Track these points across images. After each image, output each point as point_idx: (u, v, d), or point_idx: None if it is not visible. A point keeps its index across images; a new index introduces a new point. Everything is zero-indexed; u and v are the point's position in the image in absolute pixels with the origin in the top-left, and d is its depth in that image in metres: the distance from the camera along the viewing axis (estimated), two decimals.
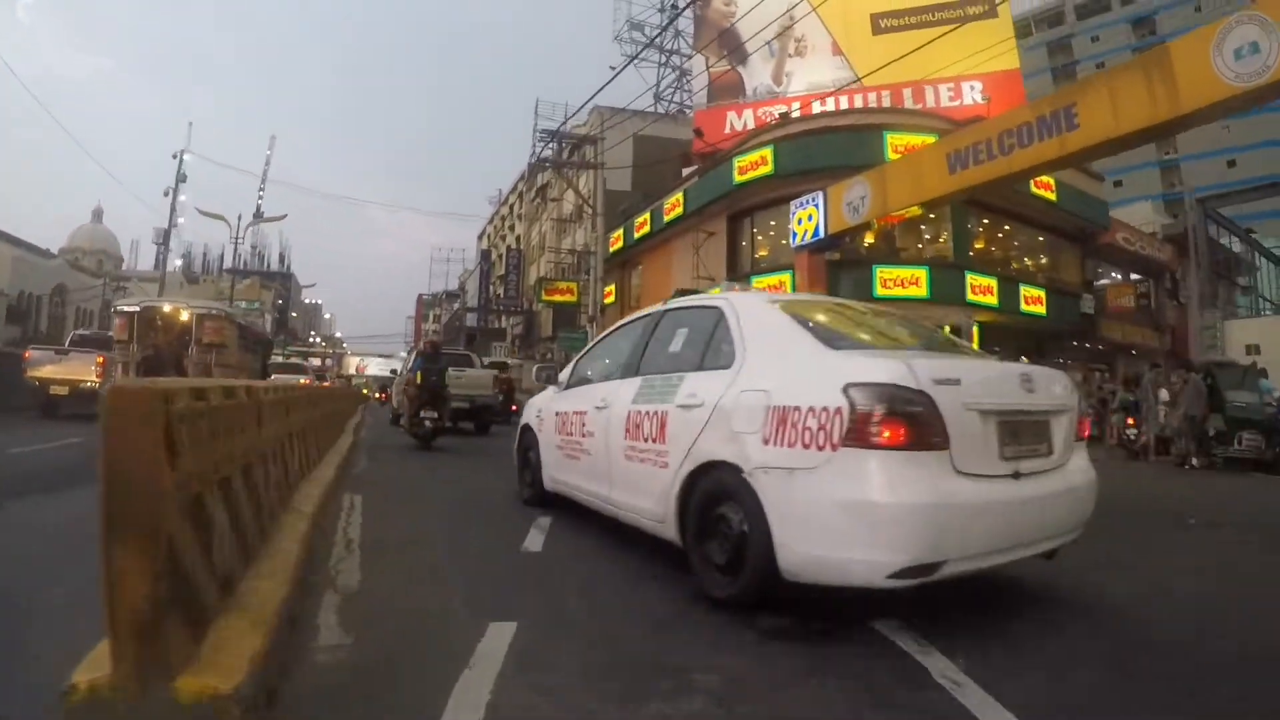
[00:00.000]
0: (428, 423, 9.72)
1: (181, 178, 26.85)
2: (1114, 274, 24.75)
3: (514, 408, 16.53)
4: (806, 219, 15.82)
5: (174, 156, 26.87)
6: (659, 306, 4.26)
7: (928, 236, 18.64)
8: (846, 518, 2.49)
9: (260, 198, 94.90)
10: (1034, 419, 2.93)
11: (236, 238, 29.23)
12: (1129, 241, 22.92)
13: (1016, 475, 2.75)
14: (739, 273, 19.79)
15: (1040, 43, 52.62)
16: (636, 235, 24.94)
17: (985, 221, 18.92)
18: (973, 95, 21.78)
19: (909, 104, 21.49)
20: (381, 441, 11.29)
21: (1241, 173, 40.44)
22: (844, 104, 21.89)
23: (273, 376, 19.69)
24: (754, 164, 18.62)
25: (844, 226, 14.80)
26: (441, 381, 9.87)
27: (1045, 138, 10.28)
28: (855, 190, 14.34)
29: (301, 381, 18.50)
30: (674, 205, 22.36)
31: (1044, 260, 21.13)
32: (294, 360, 32.59)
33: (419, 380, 9.77)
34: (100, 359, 13.09)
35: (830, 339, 3.05)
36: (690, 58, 30.30)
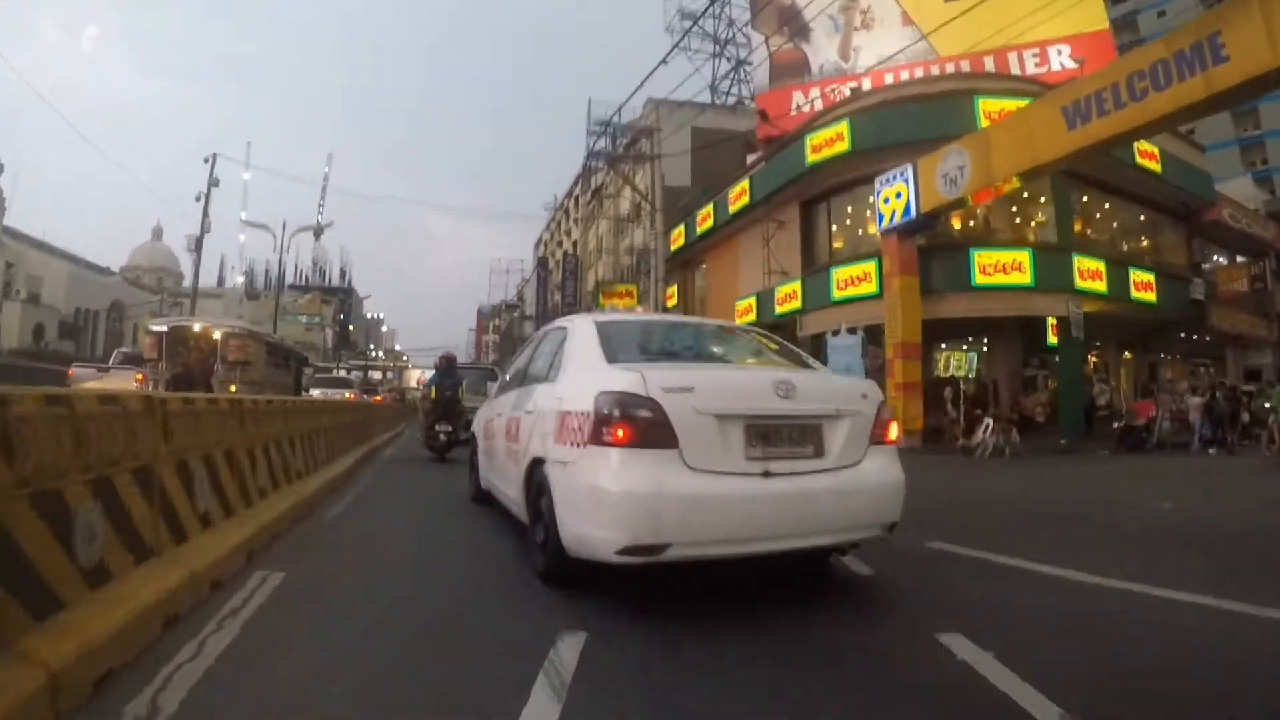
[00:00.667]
0: (442, 436, 10.09)
1: (214, 182, 27.12)
2: (1217, 256, 22.67)
3: None
4: (894, 197, 14.71)
5: (205, 161, 27.09)
6: (549, 325, 4.90)
7: (1028, 217, 17.08)
8: (590, 502, 2.97)
9: (320, 211, 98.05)
10: (792, 423, 3.17)
11: (282, 247, 30.30)
12: (1235, 218, 20.80)
13: (766, 474, 3.02)
14: (816, 265, 18.80)
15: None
16: (699, 230, 23.82)
17: (1084, 199, 17.35)
18: (1060, 60, 20.34)
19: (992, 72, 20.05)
20: (406, 455, 11.69)
21: None
22: (919, 77, 20.59)
23: (314, 391, 21.08)
24: (828, 141, 17.49)
25: (939, 203, 13.64)
26: (456, 395, 10.21)
27: (1186, 76, 9.00)
28: (951, 160, 13.20)
29: (347, 396, 19.93)
30: (739, 194, 21.25)
31: (1146, 241, 19.41)
32: (339, 375, 33.92)
33: (433, 395, 10.15)
34: (139, 376, 13.82)
35: (615, 354, 3.47)
36: (748, 49, 29.28)
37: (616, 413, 2.92)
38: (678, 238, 25.59)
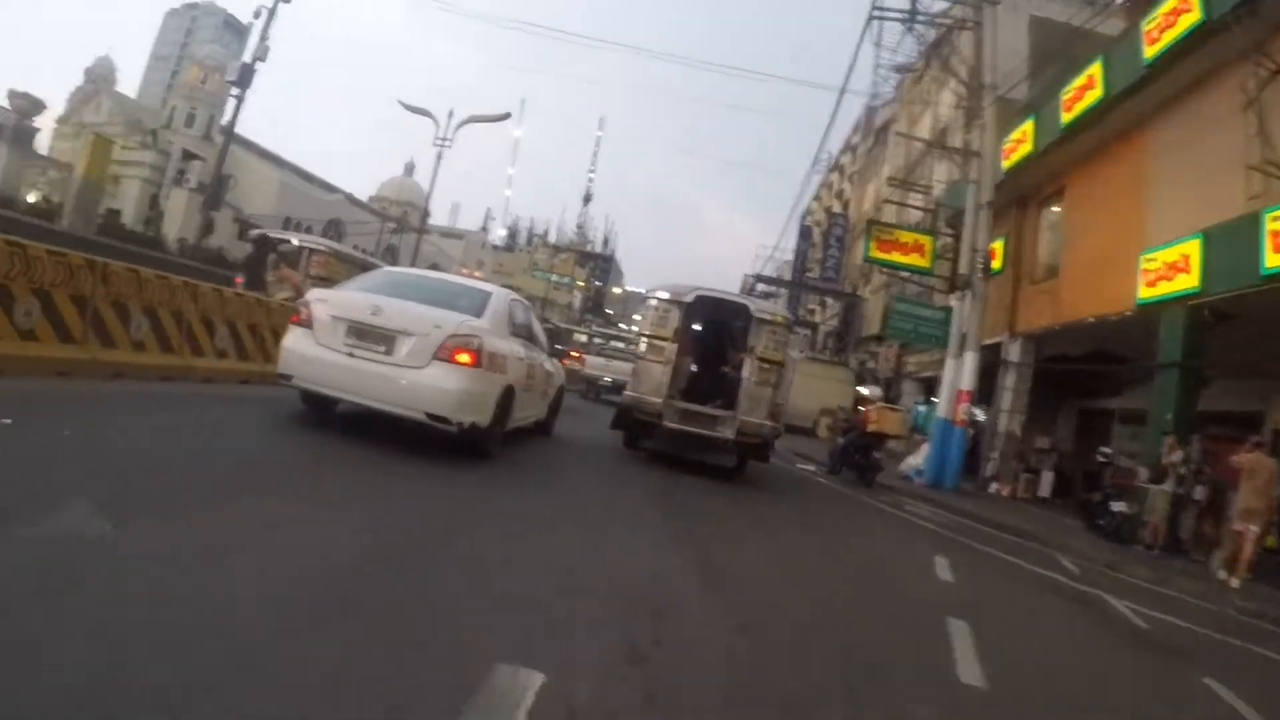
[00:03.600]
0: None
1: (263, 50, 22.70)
2: None
3: (875, 455, 11.81)
4: None
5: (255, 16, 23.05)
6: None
7: None
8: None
9: (590, 179, 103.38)
10: (374, 330, 5.34)
11: (443, 138, 26.32)
12: None
13: (351, 355, 5.34)
14: None
15: None
16: (1066, 119, 13.49)
17: None
18: None
19: None
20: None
21: None
22: None
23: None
24: None
25: None
26: None
27: None
28: None
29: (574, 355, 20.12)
30: (1174, 12, 10.55)
31: None
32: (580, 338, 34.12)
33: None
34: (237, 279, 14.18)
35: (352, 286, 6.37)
36: None
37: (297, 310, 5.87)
38: (1017, 144, 15.44)
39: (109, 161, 42.00)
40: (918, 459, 14.33)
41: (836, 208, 41.16)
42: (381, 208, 64.47)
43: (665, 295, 8.69)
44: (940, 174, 21.90)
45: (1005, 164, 15.51)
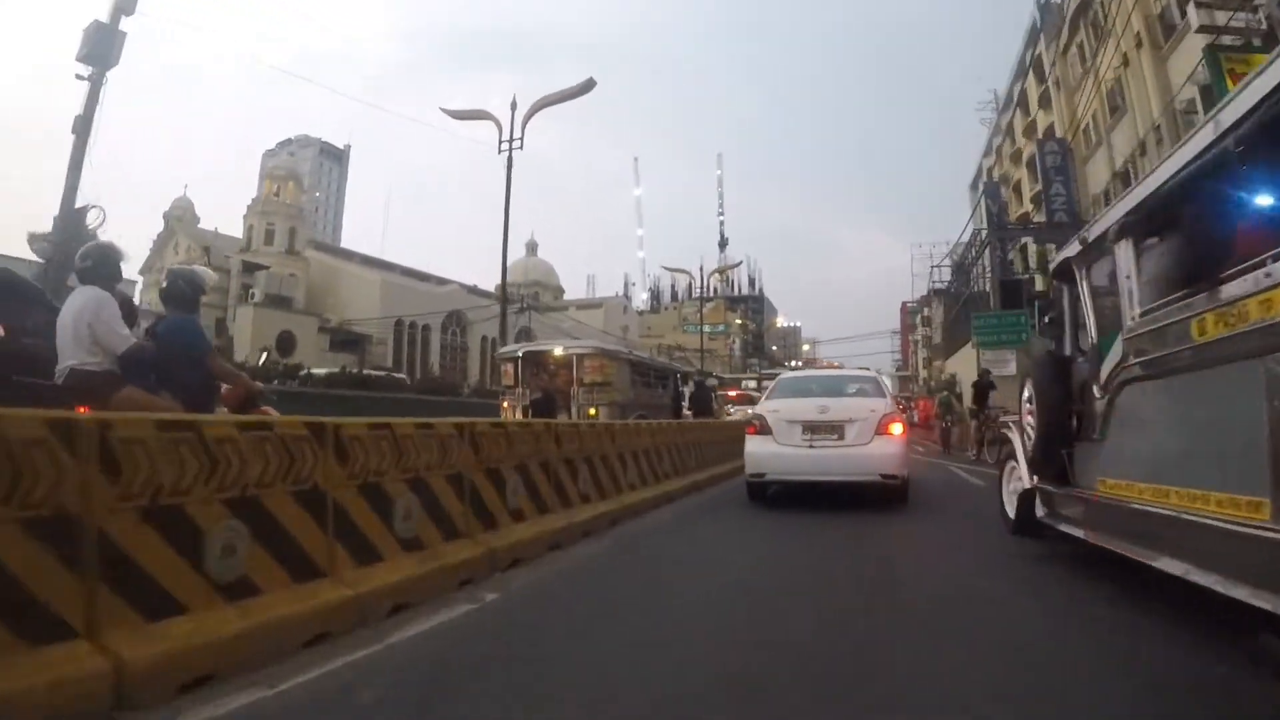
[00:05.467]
0: None
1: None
2: None
3: None
4: None
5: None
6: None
7: None
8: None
9: (720, 217, 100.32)
10: (826, 424, 6.98)
11: (510, 139, 18.63)
12: None
13: (811, 446, 6.96)
14: None
15: None
16: None
17: None
18: None
19: None
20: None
21: None
22: None
23: (731, 409, 20.96)
24: None
25: None
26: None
27: None
28: None
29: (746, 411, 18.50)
30: None
31: None
32: (747, 390, 33.00)
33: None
34: (505, 403, 13.87)
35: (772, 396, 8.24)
36: None
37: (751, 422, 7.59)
38: None
39: None
40: None
41: (1027, 148, 32.78)
42: (511, 292, 62.16)
43: None
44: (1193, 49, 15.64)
45: None
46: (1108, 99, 22.83)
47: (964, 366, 26.43)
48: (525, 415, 12.16)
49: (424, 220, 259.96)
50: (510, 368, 14.01)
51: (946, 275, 43.64)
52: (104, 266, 4.20)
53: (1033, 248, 27.18)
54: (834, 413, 6.97)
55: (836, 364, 47.14)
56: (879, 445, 6.79)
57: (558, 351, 14.05)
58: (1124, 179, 20.73)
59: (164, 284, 4.45)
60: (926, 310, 58.64)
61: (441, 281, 55.35)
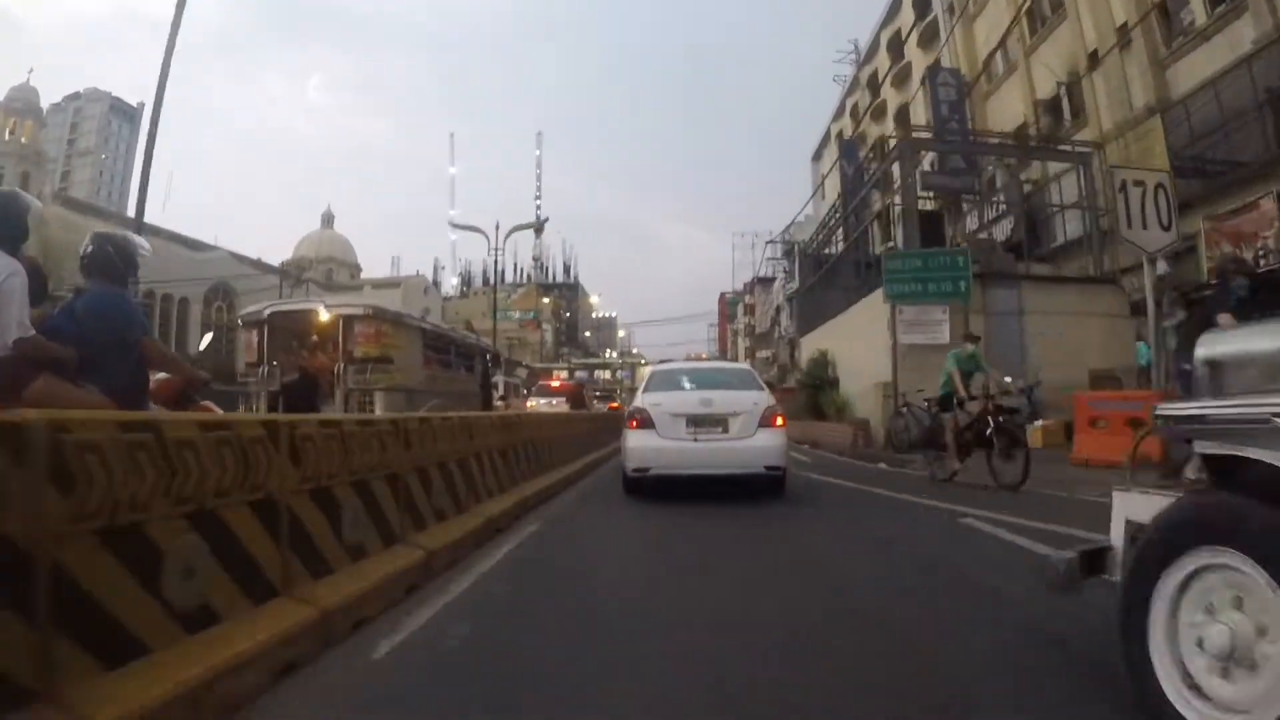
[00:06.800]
0: None
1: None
2: None
3: None
4: None
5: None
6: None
7: None
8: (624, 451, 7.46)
9: (538, 200, 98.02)
10: (710, 416, 6.91)
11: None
12: None
13: (695, 439, 6.84)
14: None
15: None
16: None
17: None
18: None
19: None
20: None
21: None
22: None
23: (536, 402, 18.95)
24: None
25: None
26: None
27: None
28: None
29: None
30: None
31: None
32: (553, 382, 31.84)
33: None
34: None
35: (649, 389, 7.73)
36: None
37: (631, 414, 7.33)
38: None
39: None
40: None
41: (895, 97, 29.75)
42: (299, 268, 53.38)
43: None
44: None
45: None
46: (1033, 9, 19.59)
47: (836, 342, 20.96)
48: (273, 407, 9.06)
49: (227, 193, 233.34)
50: (253, 336, 10.02)
51: (775, 267, 44.68)
52: (3, 225, 3.09)
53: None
54: (718, 406, 6.89)
55: (704, 355, 48.85)
56: (764, 438, 6.79)
57: (322, 314, 10.18)
58: (1052, 106, 18.99)
59: (89, 249, 3.44)
60: (749, 297, 57.99)
61: (201, 246, 45.27)
